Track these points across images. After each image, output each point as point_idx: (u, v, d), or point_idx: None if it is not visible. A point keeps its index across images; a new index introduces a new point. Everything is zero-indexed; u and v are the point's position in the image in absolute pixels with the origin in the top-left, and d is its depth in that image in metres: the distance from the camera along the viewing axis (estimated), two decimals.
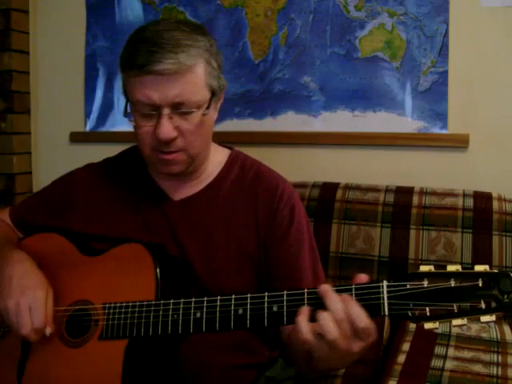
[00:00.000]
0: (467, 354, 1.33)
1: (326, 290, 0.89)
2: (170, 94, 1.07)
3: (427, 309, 0.84)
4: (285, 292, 0.93)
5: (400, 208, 1.69)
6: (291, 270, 1.16)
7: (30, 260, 1.17)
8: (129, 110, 1.13)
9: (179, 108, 1.09)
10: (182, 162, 1.15)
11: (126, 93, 1.15)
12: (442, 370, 1.26)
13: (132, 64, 1.08)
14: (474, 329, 1.47)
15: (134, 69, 1.07)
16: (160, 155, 1.13)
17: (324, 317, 0.86)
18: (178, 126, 1.10)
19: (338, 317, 0.86)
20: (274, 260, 1.17)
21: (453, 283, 0.83)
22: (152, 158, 1.15)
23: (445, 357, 1.32)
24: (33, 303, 1.07)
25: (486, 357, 1.32)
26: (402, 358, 1.33)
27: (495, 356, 1.32)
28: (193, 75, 1.09)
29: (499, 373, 1.24)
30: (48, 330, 1.08)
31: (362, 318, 0.86)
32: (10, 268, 1.13)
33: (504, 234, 1.58)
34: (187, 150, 1.14)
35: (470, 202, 1.64)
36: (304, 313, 0.89)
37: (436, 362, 1.30)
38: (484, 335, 1.44)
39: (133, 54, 1.08)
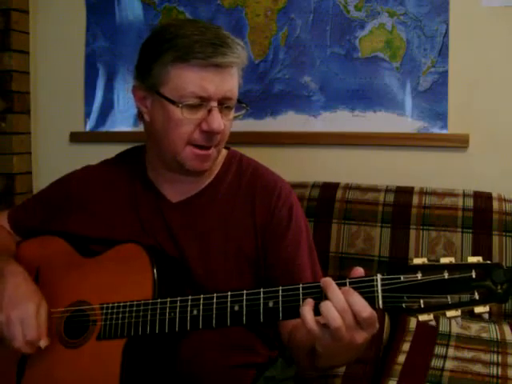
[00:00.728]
0: (467, 354, 1.33)
1: (329, 282, 0.89)
2: (225, 87, 1.09)
3: (421, 301, 0.84)
4: (280, 288, 0.94)
5: (400, 208, 1.69)
6: (290, 270, 1.16)
7: (23, 272, 1.16)
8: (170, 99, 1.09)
9: (225, 103, 1.11)
10: (213, 159, 1.17)
11: (158, 85, 1.10)
12: (442, 369, 1.26)
13: (195, 55, 1.06)
14: (473, 329, 1.46)
15: (196, 59, 1.06)
16: (197, 150, 1.13)
17: (327, 306, 0.87)
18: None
19: (341, 307, 0.86)
20: (272, 260, 1.17)
21: (446, 275, 0.83)
22: (184, 153, 1.13)
23: (445, 357, 1.32)
24: (24, 316, 1.06)
25: (486, 357, 1.32)
26: (402, 358, 1.33)
27: (495, 356, 1.32)
28: (238, 72, 1.12)
29: (499, 373, 1.24)
30: (42, 343, 1.07)
31: (364, 308, 0.86)
32: (2, 281, 1.12)
33: (504, 233, 1.58)
34: (219, 145, 1.16)
35: (469, 202, 1.64)
36: (308, 303, 0.90)
37: (436, 362, 1.30)
38: (484, 335, 1.43)
39: (195, 46, 1.06)
